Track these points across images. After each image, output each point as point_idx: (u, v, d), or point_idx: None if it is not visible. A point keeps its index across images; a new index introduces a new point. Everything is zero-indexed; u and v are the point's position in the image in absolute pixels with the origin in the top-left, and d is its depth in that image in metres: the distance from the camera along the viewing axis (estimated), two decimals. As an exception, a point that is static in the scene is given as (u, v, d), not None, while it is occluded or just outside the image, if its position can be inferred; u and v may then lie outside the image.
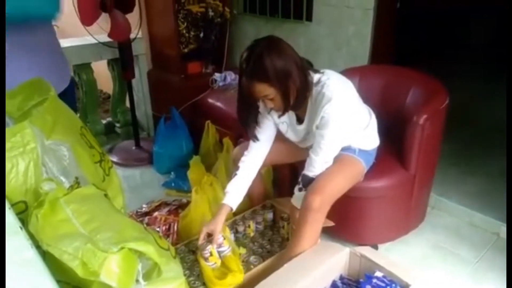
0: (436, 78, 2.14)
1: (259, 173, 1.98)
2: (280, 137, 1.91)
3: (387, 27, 2.57)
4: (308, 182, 1.73)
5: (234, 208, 1.85)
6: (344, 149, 1.79)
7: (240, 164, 1.87)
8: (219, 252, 1.74)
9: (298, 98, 1.62)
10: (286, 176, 2.38)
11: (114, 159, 3.17)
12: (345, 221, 2.04)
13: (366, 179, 1.90)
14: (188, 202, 2.21)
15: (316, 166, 1.71)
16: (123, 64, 3.07)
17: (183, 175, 2.59)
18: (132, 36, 2.96)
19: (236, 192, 1.84)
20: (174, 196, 2.70)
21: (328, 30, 2.73)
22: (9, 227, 0.85)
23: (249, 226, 2.03)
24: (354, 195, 1.90)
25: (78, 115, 3.33)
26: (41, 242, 0.95)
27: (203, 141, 2.88)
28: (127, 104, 3.54)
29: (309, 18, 2.81)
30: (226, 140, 2.57)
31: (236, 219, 2.05)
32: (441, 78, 2.11)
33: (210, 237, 1.78)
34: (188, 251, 1.91)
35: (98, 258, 0.89)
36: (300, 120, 1.80)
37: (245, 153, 1.89)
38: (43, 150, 1.15)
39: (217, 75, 3.08)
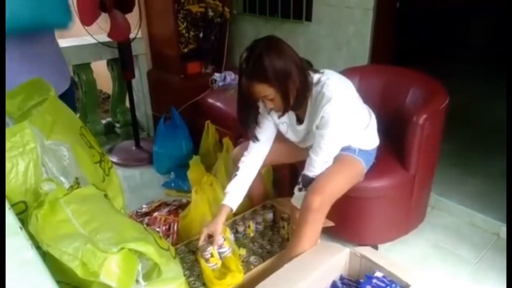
0: (435, 78, 2.14)
1: (259, 173, 1.98)
2: (280, 137, 1.91)
3: (387, 27, 2.58)
4: (308, 182, 1.73)
5: (234, 209, 1.85)
6: (344, 149, 1.79)
7: (240, 165, 1.87)
8: (219, 253, 1.74)
9: (298, 98, 1.62)
10: (286, 176, 2.38)
11: (114, 159, 3.17)
12: (345, 221, 2.04)
13: (366, 179, 1.90)
14: (188, 202, 2.21)
15: (316, 166, 1.71)
16: (122, 64, 3.07)
17: (183, 175, 2.59)
18: (131, 36, 2.96)
19: (236, 192, 1.84)
20: (174, 196, 2.70)
21: (328, 30, 2.73)
22: (9, 227, 0.85)
23: (249, 226, 2.03)
24: (354, 195, 1.90)
25: (78, 115, 3.34)
26: (41, 242, 0.95)
27: (203, 141, 2.88)
28: (127, 104, 3.54)
29: (308, 18, 2.81)
30: (226, 140, 2.57)
31: (236, 219, 2.05)
32: (441, 78, 2.11)
33: (210, 238, 1.78)
34: (188, 251, 1.91)
35: (98, 259, 0.89)
36: (300, 120, 1.80)
37: (245, 153, 1.89)
38: (42, 150, 1.15)
39: (216, 75, 3.08)
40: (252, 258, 1.86)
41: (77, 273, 0.89)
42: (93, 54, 3.25)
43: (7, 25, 1.53)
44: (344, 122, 1.67)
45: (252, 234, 2.05)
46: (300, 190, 1.78)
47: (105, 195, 1.25)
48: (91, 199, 1.15)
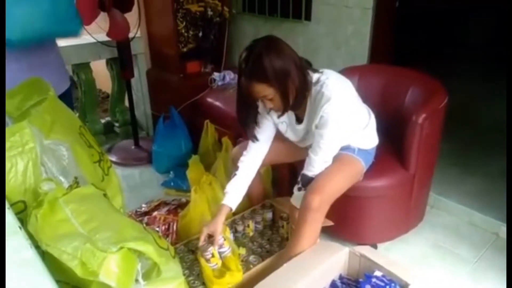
0: (435, 77, 2.14)
1: (258, 173, 1.97)
2: (279, 136, 1.91)
3: (386, 26, 2.58)
4: (308, 181, 1.73)
5: (234, 208, 1.85)
6: (343, 148, 1.79)
7: (239, 164, 1.87)
8: (219, 253, 1.74)
9: (297, 97, 1.62)
10: (285, 175, 2.38)
11: (113, 158, 3.17)
12: (345, 221, 2.04)
13: (366, 179, 1.90)
14: (187, 202, 2.21)
15: (315, 165, 1.71)
16: (122, 64, 3.07)
17: (182, 175, 2.59)
18: (131, 35, 2.95)
19: (235, 192, 1.84)
20: (173, 196, 2.70)
21: (327, 30, 2.73)
22: (8, 227, 0.85)
23: (248, 226, 2.03)
24: (353, 195, 1.90)
25: (77, 114, 3.34)
26: (40, 242, 0.95)
27: (202, 141, 2.88)
28: (126, 103, 3.54)
29: (308, 17, 2.81)
30: (225, 140, 2.56)
31: (235, 218, 2.05)
32: (440, 77, 2.11)
33: (210, 237, 1.78)
34: (188, 250, 1.91)
35: (97, 258, 0.89)
36: (299, 120, 1.80)
37: (244, 153, 1.89)
38: (42, 149, 1.15)
39: (216, 75, 3.08)
40: (251, 258, 1.86)
41: (76, 273, 0.89)
42: (92, 54, 3.24)
43: (26, 36, 1.60)
44: (344, 122, 1.67)
45: (251, 234, 2.05)
46: (299, 189, 1.78)
47: (104, 195, 1.25)
48: (91, 199, 1.14)
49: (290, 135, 1.88)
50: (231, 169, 1.98)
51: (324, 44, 2.78)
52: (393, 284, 1.52)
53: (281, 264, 1.59)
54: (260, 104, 1.75)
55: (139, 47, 3.35)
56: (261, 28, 3.17)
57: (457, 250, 2.18)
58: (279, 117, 1.79)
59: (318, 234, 1.72)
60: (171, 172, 2.89)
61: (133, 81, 3.29)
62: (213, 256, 1.70)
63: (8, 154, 1.07)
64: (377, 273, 1.57)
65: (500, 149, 2.23)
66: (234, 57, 3.30)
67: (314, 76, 1.67)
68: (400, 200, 2.06)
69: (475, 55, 5.51)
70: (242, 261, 1.83)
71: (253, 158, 1.88)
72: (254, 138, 1.85)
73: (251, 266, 1.80)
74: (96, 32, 2.91)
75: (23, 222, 1.03)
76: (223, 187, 1.90)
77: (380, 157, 1.95)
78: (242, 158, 1.88)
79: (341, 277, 1.69)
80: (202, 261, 1.69)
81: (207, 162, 2.59)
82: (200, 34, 3.12)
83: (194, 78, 3.12)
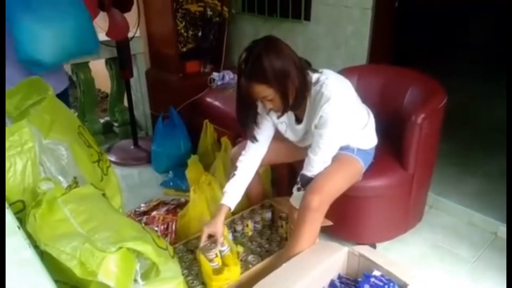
0: (434, 77, 2.14)
1: (257, 173, 1.97)
2: (278, 136, 1.91)
3: (386, 26, 2.58)
4: (307, 181, 1.73)
5: (233, 208, 1.85)
6: (342, 148, 1.79)
7: (238, 164, 1.87)
8: (219, 251, 1.74)
9: (297, 98, 1.62)
10: (284, 175, 2.38)
11: (112, 158, 3.17)
12: (344, 221, 2.04)
13: (365, 178, 1.90)
14: (186, 202, 2.21)
15: (314, 165, 1.71)
16: (121, 63, 3.07)
17: (181, 174, 2.59)
18: (130, 35, 2.96)
19: (234, 192, 1.84)
20: (172, 196, 2.70)
21: (326, 30, 2.73)
22: (7, 226, 0.85)
23: (247, 225, 2.03)
24: (352, 194, 1.90)
25: (76, 114, 3.34)
26: (39, 241, 0.95)
27: (201, 140, 2.88)
28: (125, 103, 3.54)
29: (307, 17, 2.81)
30: (224, 139, 2.56)
31: (234, 218, 2.05)
32: (440, 77, 2.11)
33: (210, 237, 1.77)
34: (187, 250, 1.91)
35: (96, 258, 0.89)
36: (298, 120, 1.80)
37: (243, 152, 1.89)
38: (41, 149, 1.15)
39: (215, 74, 3.08)
40: (250, 257, 1.87)
41: (75, 273, 0.89)
42: (92, 53, 3.24)
43: (57, 57, 1.68)
44: (343, 122, 1.67)
45: (250, 233, 2.05)
46: (298, 190, 1.78)
47: (103, 194, 1.25)
48: (89, 199, 1.14)
49: (290, 135, 1.88)
50: (230, 169, 1.98)
51: (323, 44, 2.78)
52: (391, 284, 1.52)
53: (280, 264, 1.59)
54: (259, 104, 1.75)
55: (139, 47, 3.35)
56: (260, 28, 3.17)
57: (456, 250, 2.18)
58: (278, 117, 1.79)
59: (317, 234, 1.72)
60: (170, 172, 2.89)
61: (132, 80, 3.29)
62: (216, 256, 1.71)
63: (7, 153, 1.07)
64: (376, 273, 1.57)
65: (500, 149, 2.23)
66: (234, 57, 3.30)
67: (314, 76, 1.67)
68: (399, 200, 2.06)
69: (475, 55, 5.51)
70: (241, 260, 1.83)
71: (251, 158, 1.88)
72: (254, 139, 1.85)
73: (250, 265, 1.80)
74: (95, 31, 2.91)
75: (21, 221, 1.03)
76: (222, 187, 1.90)
77: (379, 157, 1.95)
78: (240, 158, 1.88)
79: (340, 277, 1.69)
80: (203, 259, 1.69)
81: (206, 162, 2.59)
82: (200, 34, 3.12)
83: (193, 78, 3.12)
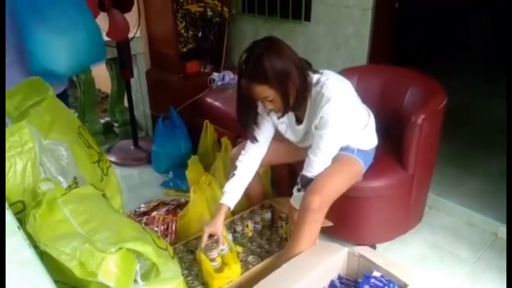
0: (434, 77, 2.14)
1: (257, 173, 1.97)
2: (278, 137, 1.91)
3: (386, 26, 2.58)
4: (307, 182, 1.73)
5: (232, 207, 1.85)
6: (342, 149, 1.79)
7: (238, 164, 1.87)
8: (219, 251, 1.75)
9: (297, 98, 1.62)
10: (284, 176, 2.38)
11: (112, 158, 3.17)
12: (344, 221, 2.04)
13: (365, 179, 1.90)
14: (187, 202, 2.21)
15: (315, 166, 1.71)
16: (121, 64, 3.07)
17: (181, 175, 2.59)
18: (130, 35, 2.95)
19: (233, 192, 1.84)
20: (173, 196, 2.70)
21: (326, 30, 2.73)
22: (7, 227, 0.85)
23: (247, 226, 2.03)
24: (352, 195, 1.90)
25: (76, 114, 3.34)
26: (39, 242, 0.95)
27: (201, 141, 2.88)
28: (126, 103, 3.54)
29: (307, 18, 2.81)
30: (224, 140, 2.57)
31: (234, 218, 2.05)
32: (440, 77, 2.11)
33: (210, 237, 1.77)
34: (187, 250, 1.91)
35: (96, 258, 0.89)
36: (299, 121, 1.80)
37: (242, 152, 1.89)
38: (41, 149, 1.15)
39: (215, 75, 3.08)
40: (250, 258, 1.87)
41: (75, 273, 0.89)
42: (92, 53, 3.24)
43: (72, 67, 1.70)
44: (343, 123, 1.67)
45: (250, 234, 2.05)
46: (299, 190, 1.78)
47: (103, 195, 1.25)
48: (89, 199, 1.15)
49: (290, 136, 1.88)
50: (230, 170, 1.98)
51: (323, 45, 2.78)
52: (391, 285, 1.52)
53: (280, 265, 1.59)
54: (260, 104, 1.75)
55: (139, 47, 3.35)
56: (260, 29, 3.17)
57: (456, 251, 2.18)
58: (279, 118, 1.79)
59: (317, 235, 1.72)
60: (170, 172, 2.89)
61: (132, 81, 3.29)
62: (218, 255, 1.71)
63: (7, 154, 1.07)
64: (376, 274, 1.57)
65: (500, 149, 2.23)
66: (234, 57, 3.30)
67: (314, 77, 1.67)
68: (399, 200, 2.06)
69: (475, 55, 5.50)
70: (241, 261, 1.83)
71: (251, 158, 1.88)
72: (254, 139, 1.85)
73: (250, 266, 1.80)
74: (95, 32, 2.91)
75: (21, 222, 1.03)
76: (222, 187, 1.90)
77: (379, 158, 1.95)
78: (240, 158, 1.88)
79: (340, 278, 1.69)
80: (204, 258, 1.69)
81: (206, 162, 2.59)
82: (200, 34, 3.12)
83: (193, 78, 3.12)
